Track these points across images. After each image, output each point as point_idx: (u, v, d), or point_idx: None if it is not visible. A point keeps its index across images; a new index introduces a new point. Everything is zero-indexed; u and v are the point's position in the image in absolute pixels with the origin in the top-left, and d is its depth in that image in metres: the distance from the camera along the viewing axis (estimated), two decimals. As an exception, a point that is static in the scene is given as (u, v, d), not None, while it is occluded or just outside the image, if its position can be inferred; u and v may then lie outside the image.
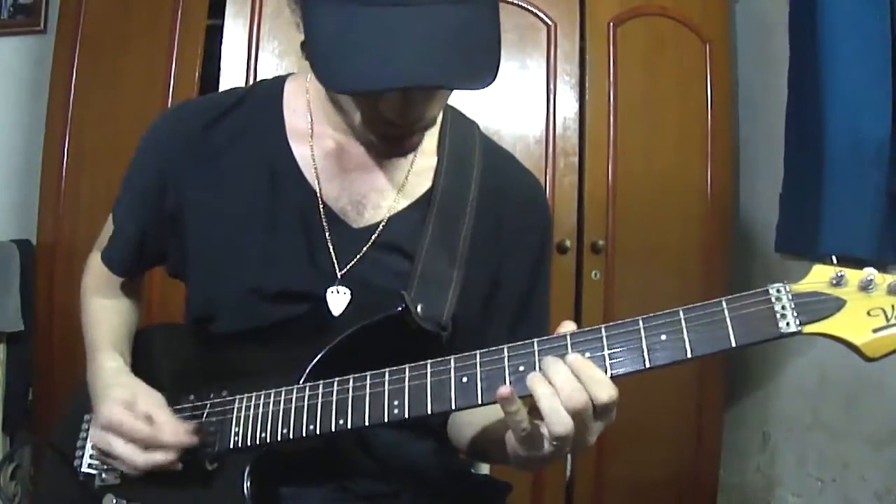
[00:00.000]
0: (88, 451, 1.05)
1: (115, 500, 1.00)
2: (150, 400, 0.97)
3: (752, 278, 2.43)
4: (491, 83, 0.82)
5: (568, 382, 0.74)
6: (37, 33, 2.59)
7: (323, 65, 0.82)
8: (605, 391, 0.74)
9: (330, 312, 0.97)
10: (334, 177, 1.01)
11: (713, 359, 2.31)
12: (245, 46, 2.16)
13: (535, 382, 0.76)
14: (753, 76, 2.55)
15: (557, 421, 0.73)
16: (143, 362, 1.10)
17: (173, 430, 0.93)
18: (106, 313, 1.13)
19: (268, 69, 2.15)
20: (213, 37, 2.19)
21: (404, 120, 0.92)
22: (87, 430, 1.07)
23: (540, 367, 0.76)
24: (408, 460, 1.02)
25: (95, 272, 1.16)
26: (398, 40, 0.79)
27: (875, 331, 0.69)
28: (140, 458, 0.93)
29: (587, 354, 0.76)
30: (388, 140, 0.99)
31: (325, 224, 0.98)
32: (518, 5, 2.28)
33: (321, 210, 0.99)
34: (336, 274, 0.98)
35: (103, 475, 1.02)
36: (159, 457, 0.93)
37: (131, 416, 0.94)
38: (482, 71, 0.81)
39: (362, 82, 0.81)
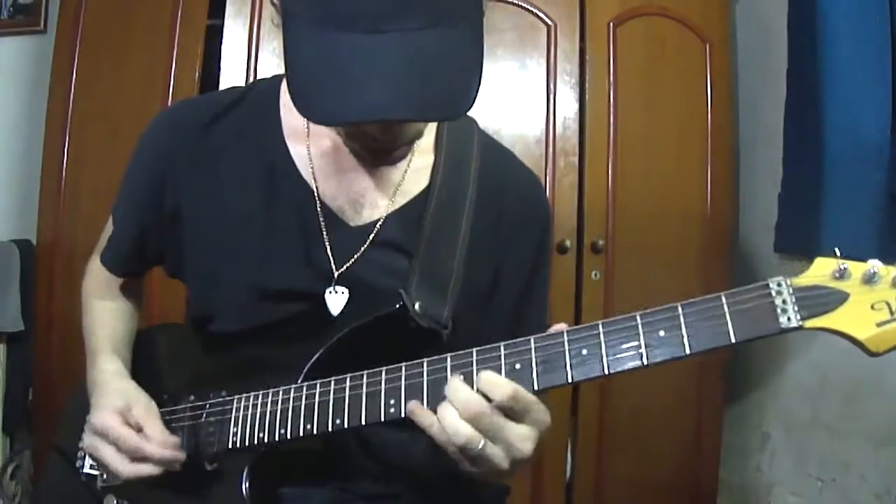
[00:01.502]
0: (90, 452, 1.06)
1: (116, 501, 1.00)
2: (145, 410, 0.98)
3: (752, 278, 2.41)
4: (466, 111, 0.81)
5: (456, 392, 0.76)
6: (37, 33, 2.60)
7: (298, 92, 0.80)
8: (499, 390, 0.75)
9: (329, 312, 0.97)
10: (331, 176, 1.00)
11: (713, 359, 2.32)
12: (245, 46, 2.16)
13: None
14: (753, 76, 2.55)
15: (454, 431, 0.75)
16: (144, 363, 1.10)
17: (161, 442, 0.94)
18: (107, 317, 1.13)
19: (268, 69, 2.15)
20: (213, 37, 2.20)
21: (386, 136, 0.93)
22: (89, 431, 1.07)
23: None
24: (408, 461, 1.02)
25: (96, 276, 1.16)
26: (372, 70, 0.77)
27: (879, 325, 0.67)
28: (126, 468, 0.93)
29: (584, 351, 0.76)
30: (373, 152, 0.99)
31: (322, 223, 0.98)
32: (518, 5, 2.28)
33: (318, 209, 0.99)
34: (333, 273, 0.97)
35: (105, 476, 1.02)
36: (144, 469, 0.93)
37: (122, 424, 0.94)
38: (457, 100, 0.80)
39: (335, 114, 0.80)
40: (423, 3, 0.78)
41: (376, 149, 0.98)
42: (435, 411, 0.78)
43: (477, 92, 0.80)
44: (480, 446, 0.76)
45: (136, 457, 0.93)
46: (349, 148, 1.00)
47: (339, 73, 0.78)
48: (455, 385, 0.77)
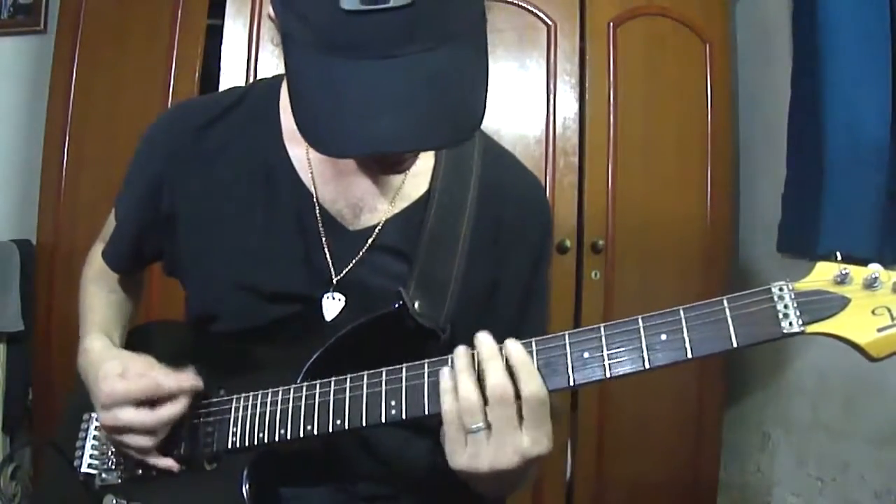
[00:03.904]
0: (88, 450, 1.05)
1: (115, 501, 1.00)
2: (140, 363, 0.96)
3: (752, 278, 2.43)
4: (473, 135, 0.80)
5: (492, 361, 0.76)
6: (37, 33, 2.60)
7: (307, 125, 0.78)
8: (533, 382, 0.75)
9: (323, 317, 0.96)
10: (330, 179, 1.00)
11: (713, 359, 2.31)
12: (245, 46, 2.17)
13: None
14: (753, 76, 2.55)
15: (468, 408, 0.76)
16: None
17: (172, 376, 0.93)
18: (100, 303, 1.13)
19: (268, 69, 2.16)
20: (213, 37, 2.20)
21: (395, 154, 0.93)
22: (87, 429, 1.07)
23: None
24: (408, 462, 1.02)
25: (96, 264, 1.16)
26: (378, 100, 0.75)
27: (880, 330, 0.67)
28: (150, 416, 0.91)
29: (586, 355, 0.76)
30: (381, 164, 0.99)
31: (321, 227, 0.98)
32: (518, 5, 2.28)
33: (317, 213, 0.98)
34: (332, 277, 0.97)
35: (103, 475, 1.02)
36: (169, 409, 0.92)
37: (127, 381, 0.92)
38: (469, 121, 0.78)
39: (344, 147, 0.78)
40: (430, 23, 0.75)
41: (385, 162, 0.98)
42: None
43: (485, 107, 0.78)
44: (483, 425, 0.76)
45: (156, 398, 0.91)
46: (356, 159, 0.99)
47: (349, 102, 0.75)
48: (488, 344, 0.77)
